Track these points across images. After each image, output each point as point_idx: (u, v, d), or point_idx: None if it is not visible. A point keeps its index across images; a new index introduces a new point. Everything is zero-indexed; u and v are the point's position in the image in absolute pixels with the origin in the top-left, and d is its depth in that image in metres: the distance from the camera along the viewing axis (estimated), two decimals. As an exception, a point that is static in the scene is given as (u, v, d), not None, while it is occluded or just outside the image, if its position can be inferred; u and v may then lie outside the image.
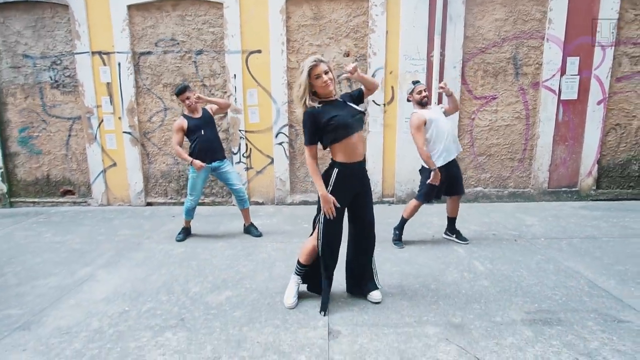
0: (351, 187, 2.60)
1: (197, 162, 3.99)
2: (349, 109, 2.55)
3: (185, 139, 4.11)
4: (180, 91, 3.98)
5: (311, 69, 2.41)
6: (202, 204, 5.68)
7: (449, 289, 2.98)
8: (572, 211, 5.06)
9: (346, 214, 2.71)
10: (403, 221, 3.97)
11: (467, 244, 3.90)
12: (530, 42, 5.25)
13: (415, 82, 3.81)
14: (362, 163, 2.63)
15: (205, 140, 4.06)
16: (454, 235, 4.00)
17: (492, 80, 5.36)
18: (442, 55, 5.23)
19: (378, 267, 2.98)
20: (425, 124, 3.61)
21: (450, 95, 3.71)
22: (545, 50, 5.22)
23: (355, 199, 2.66)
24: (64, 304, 2.90)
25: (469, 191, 5.56)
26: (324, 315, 2.64)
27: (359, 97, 2.66)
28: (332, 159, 2.60)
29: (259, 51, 5.33)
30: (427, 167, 3.64)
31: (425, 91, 3.70)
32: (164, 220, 5.00)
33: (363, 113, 2.61)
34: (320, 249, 2.64)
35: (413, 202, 3.87)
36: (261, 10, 5.23)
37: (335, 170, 2.55)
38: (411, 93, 3.74)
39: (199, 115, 4.11)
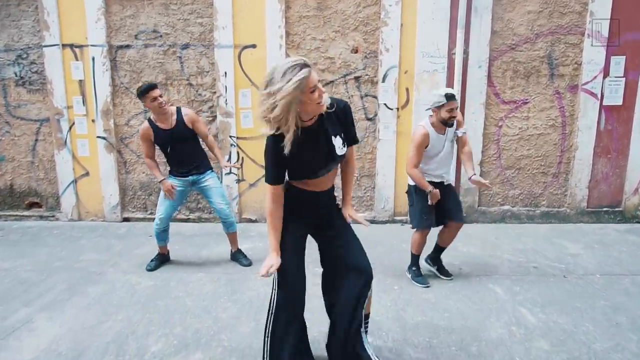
0: (306, 215, 1.94)
1: (167, 184, 3.27)
2: (327, 146, 1.80)
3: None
4: (146, 90, 3.12)
5: (305, 80, 1.56)
6: (186, 220, 4.93)
7: (497, 354, 2.21)
8: (618, 236, 4.29)
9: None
10: (414, 258, 3.22)
11: (451, 279, 3.19)
12: (568, 38, 4.53)
13: (450, 97, 2.83)
14: (328, 192, 1.97)
15: (178, 154, 3.34)
16: (436, 267, 3.28)
17: (524, 82, 4.63)
18: (466, 52, 4.51)
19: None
20: (427, 146, 2.94)
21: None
22: (586, 48, 4.49)
23: (324, 236, 2.01)
24: (-25, 368, 2.15)
25: (495, 210, 4.81)
26: None
27: (346, 121, 1.86)
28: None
29: (254, 46, 4.62)
30: (410, 183, 3.09)
31: (456, 111, 2.90)
32: (140, 241, 4.25)
33: (342, 157, 1.87)
34: (269, 317, 1.93)
35: (414, 234, 3.16)
36: (257, -2, 4.53)
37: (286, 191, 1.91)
38: (439, 108, 2.88)
39: (169, 125, 3.28)
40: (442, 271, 3.26)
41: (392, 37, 4.52)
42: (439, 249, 3.27)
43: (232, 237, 3.63)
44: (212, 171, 3.55)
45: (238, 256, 3.64)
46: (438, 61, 4.54)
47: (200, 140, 3.53)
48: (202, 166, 3.46)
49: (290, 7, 4.58)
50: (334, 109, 1.76)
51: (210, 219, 4.98)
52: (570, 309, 2.69)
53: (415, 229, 3.13)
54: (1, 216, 5.11)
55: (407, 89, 4.64)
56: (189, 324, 2.56)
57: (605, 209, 4.77)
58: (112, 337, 2.42)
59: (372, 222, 4.83)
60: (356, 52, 4.65)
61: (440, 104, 2.85)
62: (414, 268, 3.23)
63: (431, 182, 2.99)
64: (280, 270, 1.83)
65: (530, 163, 4.77)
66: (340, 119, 1.83)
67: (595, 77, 4.52)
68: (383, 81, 4.61)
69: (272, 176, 1.81)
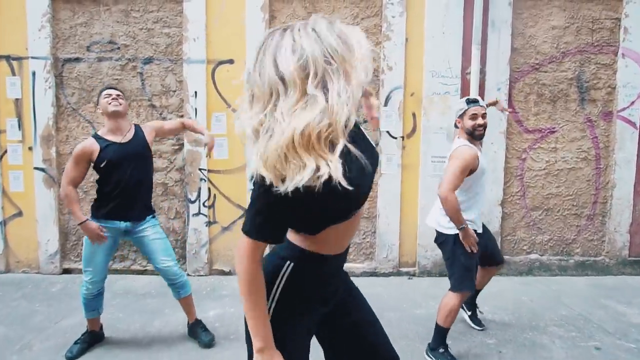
0: (321, 298, 1.21)
1: (93, 225, 2.36)
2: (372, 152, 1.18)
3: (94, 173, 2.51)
4: (105, 89, 2.52)
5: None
6: (142, 272, 3.95)
7: None
8: (676, 294, 3.49)
9: None
10: (442, 333, 2.37)
11: (483, 330, 2.75)
12: (599, 57, 3.90)
13: (471, 102, 2.44)
14: (344, 254, 1.23)
15: (124, 181, 2.44)
16: (469, 314, 2.81)
17: (550, 108, 3.94)
18: (483, 72, 3.83)
19: None
20: (474, 171, 2.32)
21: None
22: (620, 69, 3.86)
23: (334, 320, 1.27)
24: None
25: (521, 259, 3.98)
26: None
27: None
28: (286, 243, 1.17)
29: (231, 61, 3.85)
30: (446, 232, 2.36)
31: (483, 118, 2.40)
32: (73, 305, 3.24)
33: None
34: None
35: (449, 297, 2.36)
36: (235, 6, 3.81)
37: (289, 267, 1.15)
38: (462, 116, 2.43)
39: (125, 137, 2.49)
40: (475, 320, 2.81)
41: (396, 54, 3.82)
42: (475, 292, 2.71)
43: (186, 303, 2.65)
44: (154, 217, 2.63)
45: (197, 331, 2.67)
46: (450, 82, 3.83)
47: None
48: (145, 208, 2.57)
49: (275, 17, 3.87)
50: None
51: (173, 271, 4.00)
52: None
53: (454, 291, 2.34)
54: None
55: (413, 114, 3.89)
56: None
57: (650, 258, 4.00)
58: None
59: (373, 274, 3.94)
60: (353, 70, 3.92)
61: (463, 111, 2.42)
62: (441, 350, 2.35)
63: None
64: None
65: (560, 203, 4.00)
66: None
67: (633, 102, 3.87)
68: (385, 105, 3.86)
69: (264, 226, 1.06)
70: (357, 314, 1.30)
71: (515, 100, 3.92)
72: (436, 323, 2.38)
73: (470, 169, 2.29)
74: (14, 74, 3.91)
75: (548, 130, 3.96)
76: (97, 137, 2.49)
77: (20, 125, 3.94)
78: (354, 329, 1.27)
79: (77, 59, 3.94)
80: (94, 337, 2.62)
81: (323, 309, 1.23)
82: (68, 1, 3.89)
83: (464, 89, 3.84)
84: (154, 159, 2.83)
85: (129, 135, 2.52)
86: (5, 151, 3.95)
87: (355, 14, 3.88)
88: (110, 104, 2.44)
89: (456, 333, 2.72)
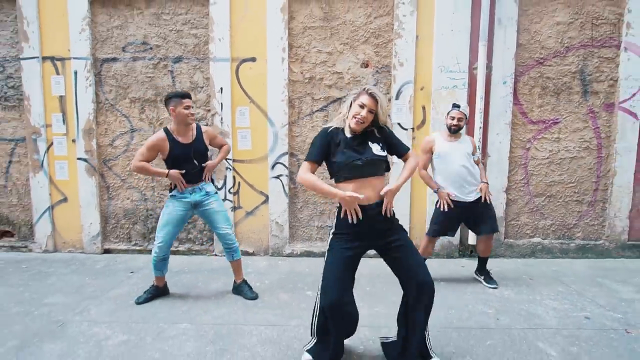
0: (358, 231, 2.07)
1: (175, 173, 2.92)
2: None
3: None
4: (182, 96, 2.90)
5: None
6: (175, 252, 4.35)
7: None
8: (671, 275, 3.72)
9: None
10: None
11: (496, 288, 3.38)
12: (602, 52, 4.09)
13: (455, 106, 3.33)
14: (370, 211, 2.07)
15: (189, 172, 2.98)
16: (482, 277, 3.53)
17: (553, 100, 4.16)
18: (489, 67, 4.06)
19: None
20: (431, 152, 3.36)
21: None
22: (623, 63, 4.05)
23: (385, 251, 2.13)
24: None
25: (524, 242, 4.25)
26: None
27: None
28: None
29: (253, 59, 4.18)
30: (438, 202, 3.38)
31: (458, 120, 3.26)
32: (118, 279, 3.67)
33: (380, 158, 2.13)
34: (315, 311, 2.23)
35: (424, 238, 3.49)
36: (257, 8, 4.12)
37: (339, 209, 2.15)
38: (446, 115, 3.37)
39: (189, 139, 2.99)
40: (488, 279, 3.47)
41: (407, 50, 4.09)
42: (481, 260, 3.53)
43: (237, 266, 3.24)
44: (216, 193, 3.17)
45: (243, 288, 3.25)
46: (458, 76, 4.08)
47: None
48: (208, 189, 3.11)
49: (294, 18, 4.17)
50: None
51: (202, 251, 4.41)
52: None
53: (426, 234, 3.47)
54: (-33, 247, 4.55)
55: (423, 107, 4.17)
56: (162, 403, 1.97)
57: (649, 242, 4.21)
58: None
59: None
60: (366, 66, 4.21)
61: (448, 112, 3.35)
62: None
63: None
64: (323, 276, 2.10)
65: (562, 190, 4.24)
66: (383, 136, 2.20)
67: (635, 94, 4.06)
68: (397, 98, 4.14)
69: (312, 152, 2.14)
70: (400, 254, 2.10)
71: (520, 93, 4.15)
72: None
73: (428, 151, 3.35)
74: (58, 73, 4.32)
75: (552, 121, 4.18)
76: (167, 132, 2.94)
77: (64, 120, 4.36)
78: (397, 261, 2.11)
79: (114, 59, 4.32)
80: (158, 291, 3.20)
81: (360, 242, 2.08)
82: (105, 6, 4.26)
83: (471, 84, 4.09)
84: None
85: (193, 135, 3.00)
86: (52, 143, 4.38)
87: (368, 13, 4.15)
88: (188, 116, 2.90)
89: (461, 304, 3.04)
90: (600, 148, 4.19)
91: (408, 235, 2.20)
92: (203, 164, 3.05)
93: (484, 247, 3.46)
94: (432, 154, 3.34)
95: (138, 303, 3.09)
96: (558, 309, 3.01)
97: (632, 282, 3.55)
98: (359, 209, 2.02)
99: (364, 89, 2.10)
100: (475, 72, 4.07)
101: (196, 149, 2.99)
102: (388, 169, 2.19)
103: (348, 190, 2.01)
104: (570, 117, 4.17)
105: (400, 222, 2.21)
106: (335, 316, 2.04)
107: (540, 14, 4.08)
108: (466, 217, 3.37)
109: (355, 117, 2.07)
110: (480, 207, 3.30)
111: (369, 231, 2.07)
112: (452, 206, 3.22)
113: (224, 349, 2.47)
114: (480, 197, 3.27)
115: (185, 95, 2.92)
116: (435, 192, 3.31)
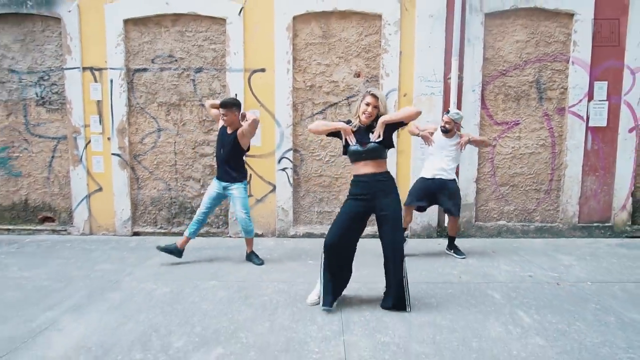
0: (360, 196, 2.85)
1: (249, 114, 3.87)
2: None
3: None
4: (238, 106, 3.90)
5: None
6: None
7: (496, 348, 2.39)
8: (609, 250, 4.52)
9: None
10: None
11: (464, 258, 4.14)
12: (554, 65, 4.91)
13: (446, 112, 4.13)
14: (374, 175, 2.83)
15: (221, 156, 3.95)
16: (452, 251, 4.27)
17: (514, 105, 4.97)
18: (460, 77, 4.86)
19: (401, 315, 2.41)
20: (432, 134, 4.12)
21: (472, 143, 4.20)
22: (571, 74, 4.86)
23: (378, 216, 2.88)
24: (10, 362, 2.29)
25: (491, 225, 5.04)
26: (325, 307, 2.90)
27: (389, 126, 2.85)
28: None
29: (263, 70, 4.95)
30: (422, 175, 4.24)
31: (445, 123, 4.06)
32: (151, 253, 4.40)
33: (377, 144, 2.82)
34: (321, 266, 2.95)
35: (403, 209, 3.94)
36: (266, 27, 4.90)
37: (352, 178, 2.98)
38: (442, 118, 4.16)
39: (230, 132, 3.92)
40: (457, 252, 4.23)
41: (392, 63, 4.88)
42: (449, 238, 4.32)
43: (248, 241, 4.13)
44: (242, 183, 3.97)
45: (252, 257, 4.10)
46: (435, 85, 4.87)
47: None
48: (232, 176, 3.92)
49: (298, 35, 4.95)
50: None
51: (219, 234, 5.16)
52: (563, 311, 2.88)
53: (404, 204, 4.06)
54: (14, 230, 5.27)
55: (406, 111, 4.94)
56: (207, 324, 2.72)
57: (596, 224, 5.01)
58: (136, 336, 2.57)
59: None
60: (358, 76, 4.99)
61: (442, 116, 4.21)
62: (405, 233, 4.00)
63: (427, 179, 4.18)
64: (332, 223, 2.93)
65: (523, 180, 5.04)
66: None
67: (581, 100, 4.87)
68: (384, 103, 4.92)
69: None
70: (382, 218, 2.85)
71: (486, 99, 4.95)
72: None
73: (431, 129, 4.16)
74: (96, 81, 5.07)
75: (513, 123, 4.98)
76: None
77: (100, 121, 5.10)
78: (381, 230, 2.89)
79: (144, 69, 5.08)
80: (176, 250, 4.00)
81: (361, 203, 2.85)
82: (137, 24, 5.03)
83: (446, 91, 4.88)
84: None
85: (231, 131, 3.87)
86: (90, 141, 5.12)
87: (360, 32, 4.94)
88: (221, 119, 3.91)
89: (432, 268, 3.81)
90: (554, 145, 4.99)
91: (399, 196, 2.91)
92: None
93: (450, 227, 4.31)
94: (431, 135, 4.11)
95: (159, 248, 3.98)
96: (509, 270, 3.79)
97: (575, 254, 4.34)
98: (352, 135, 2.85)
99: (368, 91, 2.86)
100: (449, 81, 4.86)
101: (222, 136, 3.93)
102: (390, 146, 2.89)
103: (357, 169, 2.87)
104: (529, 119, 4.98)
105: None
106: (332, 253, 2.85)
107: (502, 33, 4.89)
108: (436, 191, 4.10)
109: (364, 113, 2.83)
110: (452, 189, 4.08)
111: (369, 191, 2.82)
112: (434, 142, 4.08)
113: (247, 295, 3.22)
114: (454, 179, 4.13)
115: (237, 106, 3.89)
116: (419, 136, 4.17)
